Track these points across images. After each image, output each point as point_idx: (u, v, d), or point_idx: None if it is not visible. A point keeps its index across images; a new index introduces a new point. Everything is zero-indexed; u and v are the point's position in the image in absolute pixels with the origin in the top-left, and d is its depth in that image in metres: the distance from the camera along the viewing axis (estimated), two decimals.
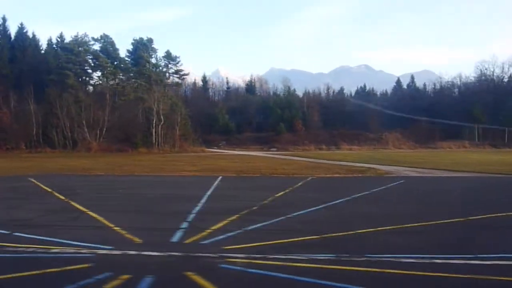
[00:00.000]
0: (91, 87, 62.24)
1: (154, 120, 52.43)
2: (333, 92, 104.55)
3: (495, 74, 78.90)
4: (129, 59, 63.29)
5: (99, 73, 62.19)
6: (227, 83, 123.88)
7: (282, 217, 10.31)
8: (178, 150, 51.73)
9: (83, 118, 51.87)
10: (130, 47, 65.83)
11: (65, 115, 51.29)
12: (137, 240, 7.93)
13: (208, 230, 8.80)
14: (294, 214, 10.82)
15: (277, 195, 14.77)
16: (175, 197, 14.90)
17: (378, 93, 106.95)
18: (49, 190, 16.17)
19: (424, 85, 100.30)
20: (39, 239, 8.02)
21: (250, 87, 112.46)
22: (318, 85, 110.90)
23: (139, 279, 5.73)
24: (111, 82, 57.77)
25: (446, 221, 9.82)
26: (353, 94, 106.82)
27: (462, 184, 19.69)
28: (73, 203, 12.82)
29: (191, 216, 10.55)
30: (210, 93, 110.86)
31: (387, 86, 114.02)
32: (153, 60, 64.34)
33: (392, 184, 18.46)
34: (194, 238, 8.13)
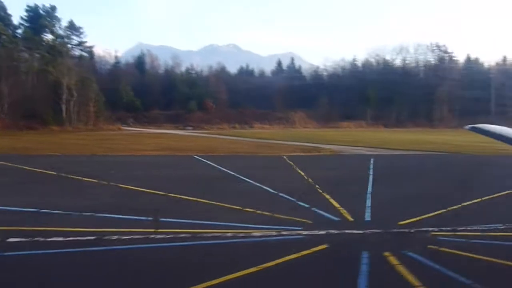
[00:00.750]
0: None
1: (65, 96, 48.37)
2: (210, 71, 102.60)
3: (385, 60, 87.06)
4: (27, 27, 56.81)
5: None
6: (116, 57, 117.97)
7: (368, 194, 11.01)
8: (92, 128, 48.63)
9: None
10: (23, 14, 59.13)
11: None
12: (307, 221, 8.10)
13: (347, 209, 9.18)
14: (368, 193, 11.41)
15: (302, 174, 15.34)
16: (211, 177, 14.68)
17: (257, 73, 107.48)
18: (54, 173, 14.81)
19: (300, 67, 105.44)
20: (205, 223, 7.79)
21: (139, 63, 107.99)
22: (187, 62, 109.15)
23: (401, 254, 6.12)
24: (9, 52, 51.45)
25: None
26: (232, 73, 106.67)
27: (436, 161, 22.00)
28: (131, 186, 11.91)
29: (297, 197, 10.55)
30: (98, 68, 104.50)
31: (256, 66, 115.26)
32: (56, 30, 58.64)
33: (373, 163, 19.65)
34: (360, 216, 8.56)
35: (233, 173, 15.35)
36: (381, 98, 76.66)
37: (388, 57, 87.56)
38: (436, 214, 8.81)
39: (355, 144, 33.33)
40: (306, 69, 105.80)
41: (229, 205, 9.41)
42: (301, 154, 24.96)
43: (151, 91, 76.63)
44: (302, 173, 15.52)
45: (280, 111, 71.54)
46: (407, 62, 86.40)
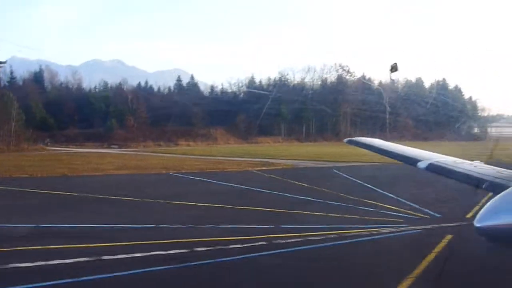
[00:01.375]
0: None
1: None
2: (111, 87, 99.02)
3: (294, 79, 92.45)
4: None
5: None
6: (11, 72, 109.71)
7: (398, 197, 13.02)
8: (16, 149, 45.38)
9: None
10: None
11: None
12: (398, 220, 9.84)
13: (406, 208, 11.07)
14: (395, 196, 13.42)
15: (305, 185, 17.00)
16: (237, 191, 15.77)
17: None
18: (76, 194, 14.78)
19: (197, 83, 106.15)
20: (327, 227, 9.18)
21: (38, 79, 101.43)
22: (69, 78, 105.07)
23: None
24: None
25: None
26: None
27: (394, 170, 24.57)
28: (184, 202, 12.64)
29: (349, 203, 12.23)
30: None
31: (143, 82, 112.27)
32: None
33: (343, 173, 22.00)
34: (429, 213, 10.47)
35: (245, 187, 16.63)
36: (291, 115, 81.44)
37: (297, 76, 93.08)
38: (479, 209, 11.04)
39: (294, 158, 35.40)
40: (207, 87, 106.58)
41: (310, 212, 10.83)
42: (266, 169, 26.51)
43: (61, 109, 73.00)
44: (305, 184, 17.19)
45: (200, 128, 72.35)
46: (314, 80, 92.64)
